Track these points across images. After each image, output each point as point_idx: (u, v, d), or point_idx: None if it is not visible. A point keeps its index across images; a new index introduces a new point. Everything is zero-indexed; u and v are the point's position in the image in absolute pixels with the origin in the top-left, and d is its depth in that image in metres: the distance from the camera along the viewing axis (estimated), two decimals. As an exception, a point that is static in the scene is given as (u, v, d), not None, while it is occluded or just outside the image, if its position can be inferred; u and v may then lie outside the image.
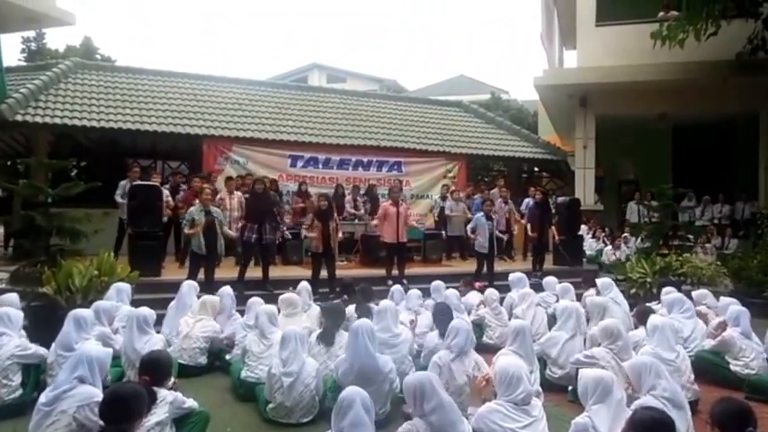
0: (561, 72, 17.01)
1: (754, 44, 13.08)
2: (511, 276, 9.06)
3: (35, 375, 5.52)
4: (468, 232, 11.39)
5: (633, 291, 10.38)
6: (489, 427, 3.72)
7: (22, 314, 6.04)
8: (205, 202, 9.07)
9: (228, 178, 12.02)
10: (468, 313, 8.09)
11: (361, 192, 13.53)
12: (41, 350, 5.64)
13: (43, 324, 6.66)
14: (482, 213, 11.21)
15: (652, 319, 5.88)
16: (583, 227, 14.49)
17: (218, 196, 11.39)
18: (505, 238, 13.02)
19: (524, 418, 3.73)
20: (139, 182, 10.42)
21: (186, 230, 9.14)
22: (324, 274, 9.81)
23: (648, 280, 10.45)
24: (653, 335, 5.66)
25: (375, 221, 10.84)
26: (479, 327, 7.76)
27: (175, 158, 15.58)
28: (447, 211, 13.60)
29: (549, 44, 19.78)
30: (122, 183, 10.81)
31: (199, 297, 7.42)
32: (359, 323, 5.35)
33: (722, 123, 16.76)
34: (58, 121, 12.39)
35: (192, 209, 9.12)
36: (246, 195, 10.75)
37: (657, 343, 5.55)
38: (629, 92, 15.19)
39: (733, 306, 6.79)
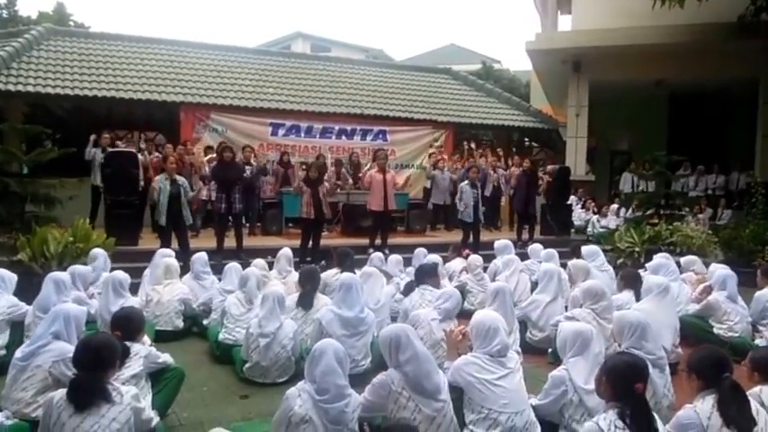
0: (555, 36, 16.98)
1: (757, 5, 13.06)
2: (496, 243, 9.20)
3: (20, 335, 5.62)
4: (458, 203, 11.50)
5: (621, 260, 10.56)
6: (465, 379, 3.83)
7: (16, 277, 6.16)
8: (170, 170, 9.14)
9: (207, 147, 12.04)
10: (450, 279, 8.25)
11: (344, 162, 13.60)
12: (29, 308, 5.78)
13: (19, 291, 6.74)
14: (467, 181, 11.33)
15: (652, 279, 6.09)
16: (572, 197, 14.67)
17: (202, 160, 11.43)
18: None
19: (500, 369, 3.85)
20: (114, 149, 10.43)
21: (153, 197, 9.18)
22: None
23: (637, 249, 10.64)
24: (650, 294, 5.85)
25: (366, 184, 10.92)
26: (461, 293, 7.88)
27: (152, 128, 15.50)
28: (439, 180, 13.69)
29: (544, 9, 19.77)
30: (93, 150, 10.81)
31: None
32: (350, 277, 5.69)
33: (720, 92, 16.84)
34: (30, 89, 12.36)
35: (157, 177, 9.20)
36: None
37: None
38: (625, 56, 15.20)
39: (720, 269, 6.96)
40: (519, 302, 7.00)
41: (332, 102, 15.60)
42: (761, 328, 6.55)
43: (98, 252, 7.48)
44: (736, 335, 6.41)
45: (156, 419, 3.76)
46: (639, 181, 15.37)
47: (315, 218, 9.91)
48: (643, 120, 17.62)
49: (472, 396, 3.80)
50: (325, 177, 10.45)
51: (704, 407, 3.13)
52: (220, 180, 9.63)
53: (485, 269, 8.48)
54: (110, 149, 10.39)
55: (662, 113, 18.25)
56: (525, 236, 11.94)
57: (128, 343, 4.03)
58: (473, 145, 15.14)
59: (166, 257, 7.43)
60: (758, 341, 6.27)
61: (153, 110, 13.97)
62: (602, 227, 14.36)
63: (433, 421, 3.53)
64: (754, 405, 3.20)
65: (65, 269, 6.77)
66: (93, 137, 11.00)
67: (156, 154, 11.91)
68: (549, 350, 5.92)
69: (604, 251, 9.58)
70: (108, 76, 13.78)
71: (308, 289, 6.10)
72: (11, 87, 12.15)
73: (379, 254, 8.82)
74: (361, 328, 5.48)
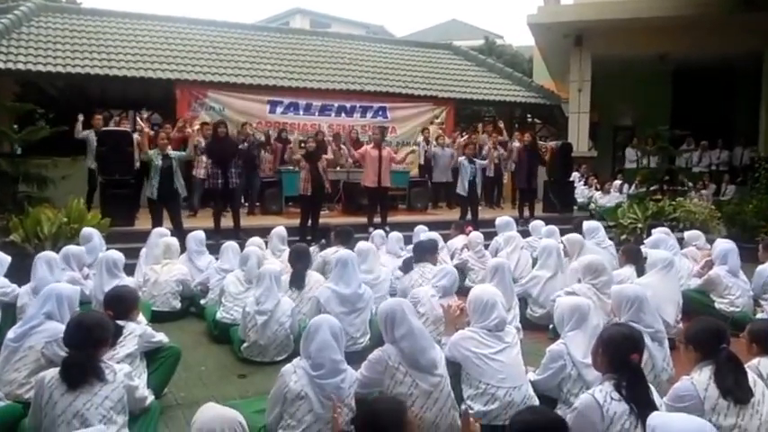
0: (557, 9, 16.76)
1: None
2: (498, 220, 9.18)
3: (12, 317, 5.60)
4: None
5: (624, 237, 10.56)
6: (462, 353, 3.85)
7: (9, 258, 6.16)
8: (162, 146, 9.11)
9: (203, 123, 11.98)
10: (452, 257, 8.24)
11: (343, 139, 13.53)
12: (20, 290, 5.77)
13: (12, 272, 6.74)
14: (464, 157, 11.31)
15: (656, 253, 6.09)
16: (575, 174, 14.62)
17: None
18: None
19: (497, 343, 3.87)
20: (108, 128, 10.38)
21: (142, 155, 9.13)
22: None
23: (639, 225, 10.62)
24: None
25: (358, 158, 10.90)
26: (462, 270, 7.89)
27: (147, 107, 15.39)
28: (439, 157, 13.64)
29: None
30: (85, 133, 10.75)
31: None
32: (347, 253, 5.71)
33: (724, 66, 16.70)
34: (21, 66, 12.22)
35: (150, 152, 9.17)
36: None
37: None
38: (628, 30, 15.04)
39: (722, 243, 6.95)
40: (520, 279, 7.00)
41: (331, 79, 15.48)
42: (762, 302, 6.56)
43: (91, 231, 7.41)
44: (738, 309, 6.41)
45: (150, 398, 3.77)
46: (643, 157, 15.31)
47: (312, 195, 9.87)
48: (646, 95, 17.50)
49: (470, 371, 3.82)
50: (328, 155, 10.39)
51: (701, 378, 3.13)
52: (215, 156, 9.57)
53: (486, 246, 8.47)
54: (103, 129, 10.30)
55: (665, 88, 18.11)
56: (527, 213, 11.90)
57: (121, 322, 4.03)
58: (479, 126, 15.04)
59: (165, 237, 7.40)
60: (759, 315, 6.27)
61: (148, 88, 13.88)
62: (603, 204, 14.31)
63: (430, 396, 3.54)
64: (751, 376, 3.20)
65: (59, 250, 6.77)
66: (80, 117, 10.90)
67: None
68: (550, 326, 5.90)
69: (607, 227, 9.60)
70: (101, 53, 13.65)
71: (299, 268, 6.09)
72: (0, 66, 12.03)
73: (380, 231, 8.81)
74: (359, 304, 5.50)
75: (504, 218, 9.25)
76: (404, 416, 2.58)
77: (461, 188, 11.13)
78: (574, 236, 7.44)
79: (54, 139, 9.63)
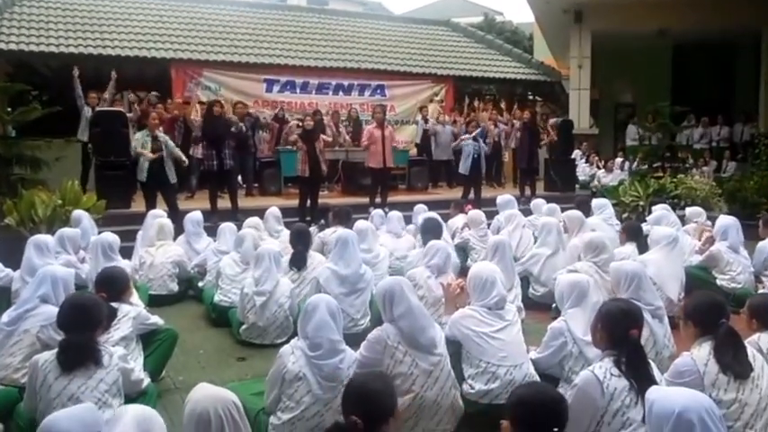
0: (555, -17, 16.65)
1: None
2: (499, 198, 9.14)
3: (7, 301, 5.57)
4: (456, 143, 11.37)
5: (626, 215, 10.53)
6: (462, 332, 3.83)
7: None
8: (152, 127, 9.01)
9: (199, 103, 11.90)
10: (453, 237, 8.21)
11: (342, 118, 13.44)
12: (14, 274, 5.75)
13: (7, 256, 6.72)
14: (467, 135, 11.25)
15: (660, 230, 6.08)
16: (576, 151, 14.57)
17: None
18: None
19: (498, 322, 3.86)
20: (102, 108, 10.29)
21: (138, 150, 8.97)
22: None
23: (641, 203, 10.60)
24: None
25: (365, 142, 10.79)
26: (463, 250, 7.87)
27: (142, 87, 15.27)
28: (440, 134, 13.56)
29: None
30: (85, 109, 10.65)
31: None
32: (347, 232, 5.70)
33: (724, 42, 16.63)
34: (13, 47, 12.14)
35: (137, 134, 9.05)
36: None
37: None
38: (627, 5, 14.94)
39: (723, 219, 6.93)
40: (522, 258, 6.96)
41: (328, 56, 15.36)
42: (763, 278, 6.56)
43: (80, 214, 7.33)
44: (739, 286, 6.40)
45: (146, 381, 3.77)
46: (645, 134, 15.24)
47: (310, 176, 9.81)
48: (647, 71, 17.42)
49: (470, 349, 3.81)
50: (327, 135, 10.29)
51: (701, 354, 3.12)
52: (209, 135, 9.51)
53: (488, 226, 8.43)
54: (98, 109, 10.21)
55: (666, 66, 18.03)
56: (528, 191, 11.85)
57: (115, 304, 3.99)
58: (478, 104, 14.94)
59: (159, 218, 7.35)
60: (761, 291, 6.24)
61: (142, 67, 13.72)
62: (606, 182, 14.27)
63: (430, 375, 3.53)
64: (750, 351, 3.18)
65: (54, 233, 6.74)
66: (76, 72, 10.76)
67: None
68: (553, 305, 5.84)
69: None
70: (94, 32, 13.54)
71: (300, 248, 6.05)
72: (-8, 45, 11.94)
73: (380, 211, 8.77)
74: (359, 285, 5.49)
75: (506, 196, 9.18)
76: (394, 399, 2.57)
77: (464, 168, 11.05)
78: (573, 212, 7.40)
79: (47, 120, 9.52)
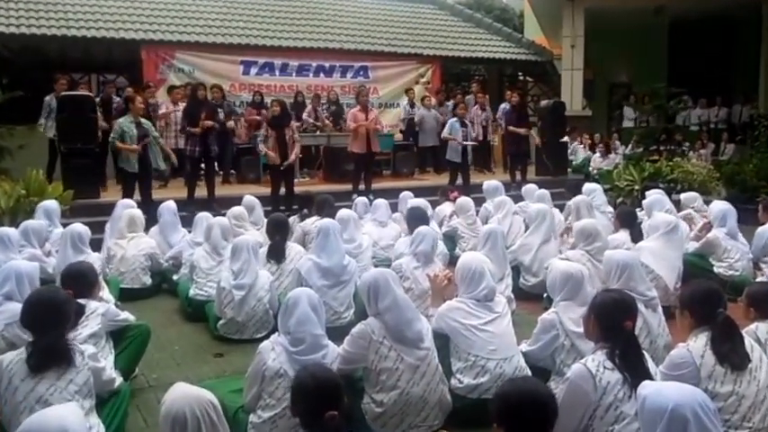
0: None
1: None
2: (485, 185, 9.15)
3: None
4: (445, 134, 11.30)
5: (620, 200, 10.61)
6: (450, 325, 3.85)
7: None
8: (136, 111, 8.93)
9: (172, 87, 11.80)
10: (441, 225, 8.22)
11: (323, 101, 13.38)
12: None
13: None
14: (455, 119, 11.23)
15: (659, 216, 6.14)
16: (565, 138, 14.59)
17: (161, 110, 11.29)
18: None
19: (487, 314, 3.87)
20: (68, 92, 10.16)
21: (118, 144, 8.79)
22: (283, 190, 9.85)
23: (636, 188, 10.67)
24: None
25: (352, 125, 10.71)
26: (452, 239, 7.89)
27: (111, 70, 15.13)
28: (426, 119, 13.52)
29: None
30: (47, 99, 10.51)
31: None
32: (328, 222, 5.67)
33: (723, 18, 16.68)
34: (-32, 27, 11.95)
35: (120, 120, 8.95)
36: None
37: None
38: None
39: (719, 205, 6.98)
40: (513, 245, 6.97)
41: (308, 37, 15.26)
42: (762, 265, 6.61)
43: (47, 205, 7.24)
44: (737, 273, 6.46)
45: (119, 380, 3.73)
46: (642, 116, 15.33)
47: (281, 164, 9.77)
48: (642, 51, 17.49)
49: (458, 343, 3.83)
50: (304, 117, 10.23)
51: (697, 345, 3.14)
52: (195, 121, 9.47)
53: (477, 212, 8.44)
54: (62, 93, 10.09)
55: (662, 44, 18.10)
56: (519, 177, 11.86)
57: (82, 300, 3.95)
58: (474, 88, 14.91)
59: (129, 208, 7.29)
60: (760, 279, 6.31)
61: (111, 50, 13.57)
62: (602, 166, 14.34)
63: (416, 370, 3.55)
64: (748, 341, 3.21)
65: (18, 225, 6.67)
66: (47, 98, 10.54)
67: (118, 99, 11.68)
68: (545, 295, 5.84)
69: (604, 191, 9.59)
70: (59, 12, 13.30)
71: (278, 239, 6.04)
72: (-53, 26, 11.74)
73: (363, 198, 8.77)
74: (343, 277, 5.48)
75: (492, 182, 9.20)
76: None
77: (453, 153, 11.03)
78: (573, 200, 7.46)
79: (9, 105, 9.40)
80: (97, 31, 12.99)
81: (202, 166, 9.98)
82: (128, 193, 8.69)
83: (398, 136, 14.25)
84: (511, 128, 11.98)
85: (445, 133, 11.27)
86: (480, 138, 12.92)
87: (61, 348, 3.18)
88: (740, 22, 16.50)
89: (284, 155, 9.70)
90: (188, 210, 8.51)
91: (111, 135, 8.95)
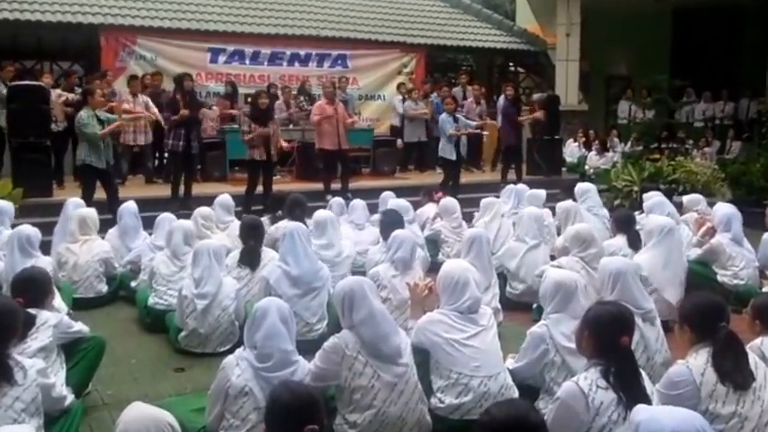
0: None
1: None
2: (482, 202, 9.05)
3: None
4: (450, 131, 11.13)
5: (617, 202, 10.66)
6: (431, 339, 3.83)
7: None
8: (96, 104, 8.89)
9: (132, 77, 11.70)
10: (423, 228, 8.21)
11: (294, 92, 13.32)
12: None
13: None
14: (446, 113, 11.24)
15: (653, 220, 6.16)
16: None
17: (123, 105, 11.16)
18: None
19: (471, 327, 3.86)
20: (18, 82, 10.05)
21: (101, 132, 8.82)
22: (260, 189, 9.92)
23: (635, 189, 10.72)
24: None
25: (316, 117, 10.73)
26: (434, 243, 7.90)
27: (66, 57, 14.99)
28: (407, 113, 13.51)
29: None
30: None
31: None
32: (293, 226, 5.65)
33: (729, 7, 16.78)
34: None
35: (81, 113, 8.87)
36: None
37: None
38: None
39: (723, 208, 7.02)
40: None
41: (282, 23, 15.19)
42: (769, 273, 6.67)
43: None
44: (742, 282, 6.49)
45: (70, 398, 3.73)
46: (639, 111, 15.42)
47: (267, 159, 9.83)
48: (643, 40, 17.54)
49: (439, 359, 3.82)
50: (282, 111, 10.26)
51: (697, 362, 3.13)
52: (177, 112, 9.55)
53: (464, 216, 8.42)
54: (13, 83, 9.97)
55: (664, 34, 18.19)
56: (514, 176, 11.84)
57: (33, 310, 3.91)
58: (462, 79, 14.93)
59: (80, 208, 7.18)
60: (766, 289, 6.32)
61: (67, 35, 13.47)
62: (599, 165, 14.40)
63: (394, 388, 3.54)
64: (752, 358, 3.21)
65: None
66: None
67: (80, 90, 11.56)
68: (535, 305, 5.84)
69: (600, 192, 9.60)
70: (9, -7, 13.18)
71: (252, 244, 6.01)
72: None
73: (339, 199, 8.75)
74: (315, 284, 5.45)
75: (489, 199, 8.98)
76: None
77: (448, 151, 11.03)
78: (565, 203, 7.48)
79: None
80: (52, 15, 12.86)
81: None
82: (88, 192, 8.65)
83: (385, 131, 14.20)
84: (521, 118, 12.21)
85: (450, 131, 11.09)
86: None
87: (2, 364, 3.14)
88: (748, 10, 16.58)
89: (268, 151, 9.71)
90: (171, 208, 8.46)
91: (92, 132, 8.83)
